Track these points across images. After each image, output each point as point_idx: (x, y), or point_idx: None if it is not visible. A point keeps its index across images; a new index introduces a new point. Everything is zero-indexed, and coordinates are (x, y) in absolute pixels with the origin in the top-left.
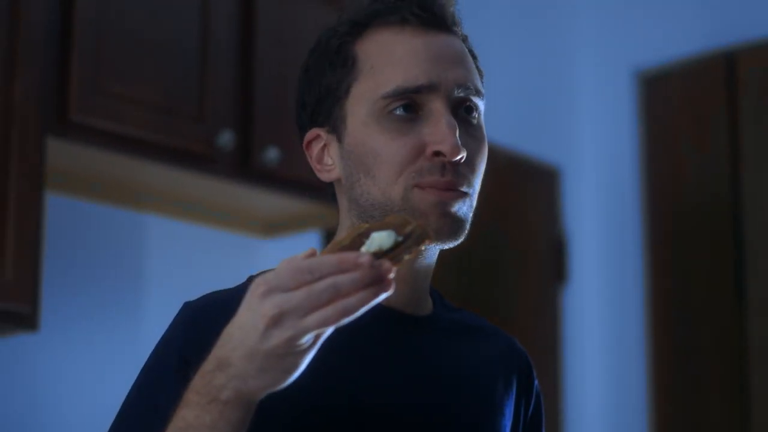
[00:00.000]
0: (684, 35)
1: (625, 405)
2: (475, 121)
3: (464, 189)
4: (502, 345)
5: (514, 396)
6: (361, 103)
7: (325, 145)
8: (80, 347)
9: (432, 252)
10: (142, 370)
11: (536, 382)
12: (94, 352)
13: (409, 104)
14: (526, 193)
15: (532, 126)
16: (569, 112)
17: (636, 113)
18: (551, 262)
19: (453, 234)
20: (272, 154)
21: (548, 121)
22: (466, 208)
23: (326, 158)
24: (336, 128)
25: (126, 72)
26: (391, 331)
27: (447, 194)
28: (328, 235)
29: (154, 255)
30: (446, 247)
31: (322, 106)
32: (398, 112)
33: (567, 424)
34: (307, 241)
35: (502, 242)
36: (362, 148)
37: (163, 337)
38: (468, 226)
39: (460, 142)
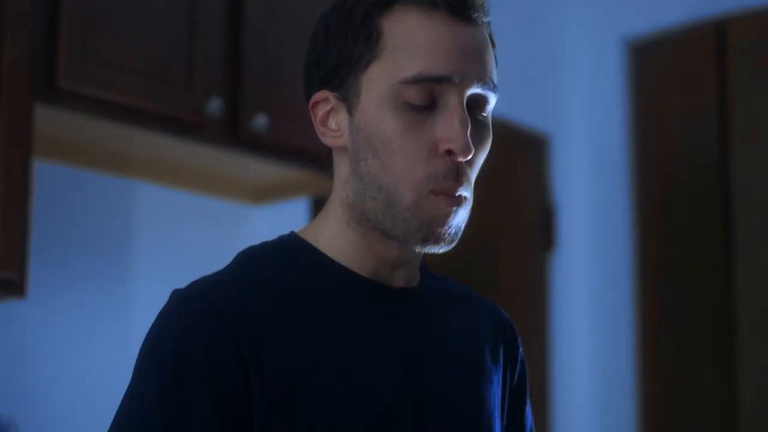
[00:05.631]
0: (674, 5)
1: (612, 372)
2: (485, 118)
3: (466, 194)
4: (487, 313)
5: (501, 364)
6: (378, 83)
7: (332, 110)
8: (68, 314)
9: None
10: (145, 403)
11: (521, 349)
12: (81, 319)
13: (426, 94)
14: (515, 161)
15: (522, 94)
16: (559, 81)
17: (626, 82)
18: (540, 229)
19: (450, 243)
20: (261, 121)
21: (538, 89)
22: (465, 216)
23: (331, 122)
24: (348, 99)
25: (115, 39)
26: (381, 304)
27: (455, 202)
28: (317, 203)
29: (143, 222)
30: (438, 252)
31: (337, 71)
32: (414, 102)
33: (554, 392)
34: (296, 208)
35: (491, 210)
36: (373, 130)
37: (159, 356)
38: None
39: (471, 141)
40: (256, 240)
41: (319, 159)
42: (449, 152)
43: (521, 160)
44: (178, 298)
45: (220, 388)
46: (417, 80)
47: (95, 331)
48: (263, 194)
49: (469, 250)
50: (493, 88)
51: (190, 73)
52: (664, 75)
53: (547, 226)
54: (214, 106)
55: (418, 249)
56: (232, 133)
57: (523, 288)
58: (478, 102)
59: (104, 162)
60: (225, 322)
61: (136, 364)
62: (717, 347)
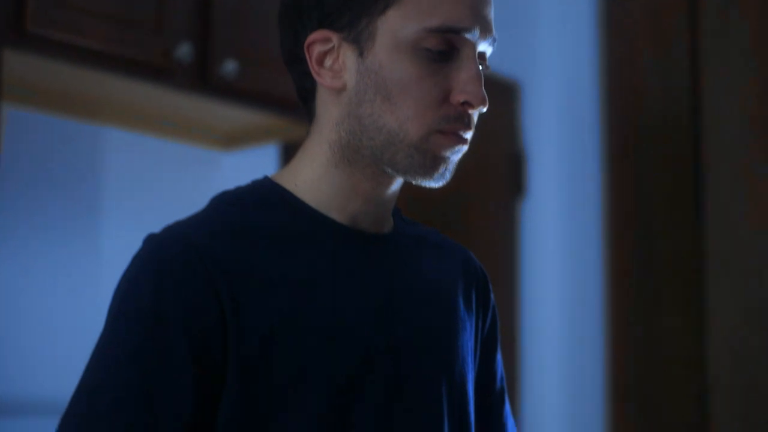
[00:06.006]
0: None
1: (582, 318)
2: (486, 69)
3: (468, 137)
4: (460, 259)
5: (473, 310)
6: (398, 28)
7: (331, 50)
8: (37, 260)
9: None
10: (119, 352)
11: (492, 296)
12: (51, 264)
13: (445, 43)
14: None
15: None
16: (530, 27)
17: (597, 29)
18: (510, 176)
19: (445, 179)
20: (231, 66)
21: (509, 36)
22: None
23: (328, 62)
24: (359, 41)
25: None
26: (357, 250)
27: (460, 141)
28: (287, 149)
29: (113, 168)
30: (433, 186)
31: (347, 12)
32: (434, 49)
33: (523, 336)
34: (266, 153)
35: (462, 156)
36: (389, 74)
37: (135, 302)
38: None
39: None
40: (225, 186)
41: (289, 104)
42: (464, 103)
43: (491, 107)
44: (153, 242)
45: (198, 333)
46: (441, 30)
47: (65, 277)
48: (232, 140)
49: (439, 196)
50: (494, 42)
51: (160, 17)
52: (635, 20)
53: (517, 172)
54: (184, 51)
55: (414, 181)
56: (202, 79)
57: (493, 235)
58: (482, 55)
59: (73, 107)
60: (202, 267)
61: (110, 310)
62: (686, 293)
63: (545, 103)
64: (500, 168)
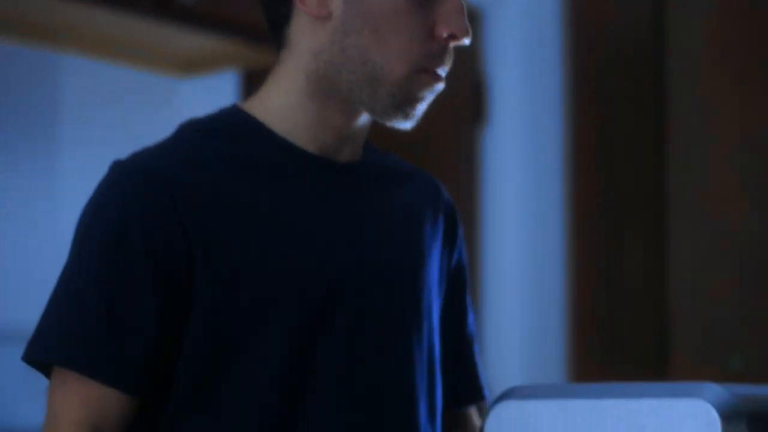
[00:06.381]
0: None
1: (543, 250)
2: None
3: (445, 74)
4: (429, 190)
5: (440, 242)
6: None
7: None
8: None
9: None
10: (86, 266)
11: (461, 231)
12: (7, 196)
13: None
14: None
15: None
16: None
17: None
18: (472, 103)
19: (416, 120)
20: None
21: None
22: None
23: None
24: None
25: None
26: (327, 180)
27: (439, 79)
28: (248, 76)
29: (71, 95)
30: (403, 127)
31: None
32: None
33: (484, 269)
34: (225, 80)
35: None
36: (377, 6)
37: (99, 229)
38: None
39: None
40: (185, 113)
41: (251, 30)
42: (449, 36)
43: None
44: (119, 169)
45: (161, 261)
46: None
47: (22, 207)
48: (192, 66)
49: None
50: None
51: None
52: None
53: (478, 100)
54: None
55: (388, 122)
56: (162, 3)
57: (454, 163)
58: None
59: (30, 34)
60: (167, 194)
61: (75, 236)
62: (648, 227)
63: (507, 30)
64: (462, 95)
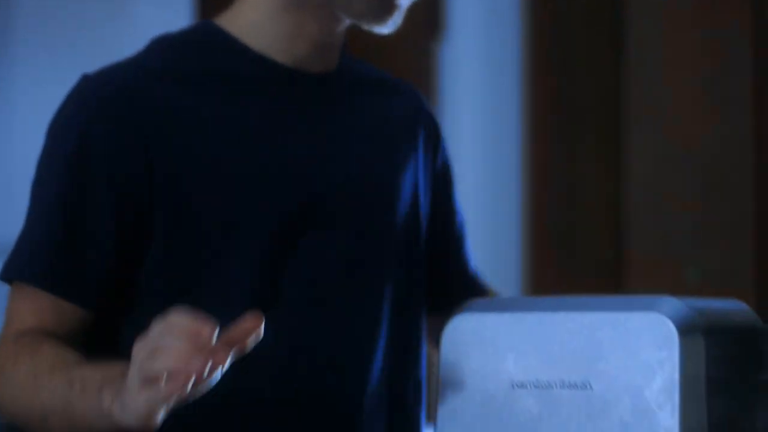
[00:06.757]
0: None
1: (499, 162)
2: None
3: None
4: (408, 100)
5: (421, 152)
6: None
7: None
8: None
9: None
10: (50, 180)
11: (443, 140)
12: None
13: None
14: None
15: None
16: None
17: None
18: (428, 15)
19: (396, 25)
20: None
21: None
22: None
23: None
24: None
25: None
26: (300, 92)
27: None
28: None
29: (23, 7)
30: (383, 32)
31: None
32: None
33: None
34: None
35: None
36: None
37: (62, 145)
38: None
39: None
40: (138, 28)
41: None
42: None
43: None
44: (86, 83)
45: (123, 175)
46: None
47: None
48: None
49: (352, 35)
50: None
51: None
52: None
53: (435, 11)
54: None
55: (366, 26)
56: None
57: (411, 76)
58: None
59: None
60: (132, 109)
61: (42, 151)
62: (604, 136)
63: None
64: (418, 7)
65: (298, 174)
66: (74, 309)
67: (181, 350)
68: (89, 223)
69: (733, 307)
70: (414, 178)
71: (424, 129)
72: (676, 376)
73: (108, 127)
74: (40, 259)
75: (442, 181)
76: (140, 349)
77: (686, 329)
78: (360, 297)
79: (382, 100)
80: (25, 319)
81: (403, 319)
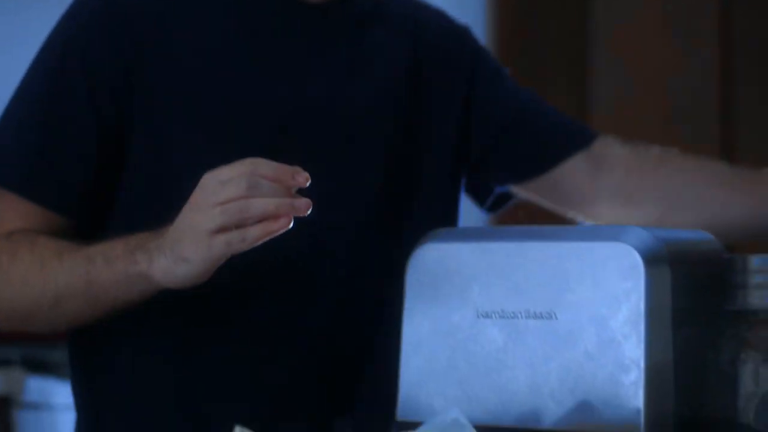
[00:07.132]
0: None
1: None
2: None
3: None
4: (407, 28)
5: (441, 73)
6: None
7: None
8: None
9: None
10: (38, 84)
11: (470, 48)
12: None
13: None
14: None
15: None
16: None
17: None
18: None
19: None
20: None
21: None
22: None
23: None
24: None
25: None
26: (291, 20)
27: None
28: None
29: None
30: None
31: None
32: None
33: None
34: None
35: None
36: None
37: (49, 52)
38: None
39: None
40: None
41: None
42: None
43: None
44: (88, 13)
45: (103, 83)
46: None
47: None
48: None
49: None
50: None
51: None
52: None
53: None
54: None
55: None
56: None
57: None
58: None
59: None
60: (120, 23)
61: (35, 56)
62: (571, 68)
63: None
64: None
65: (275, 99)
66: (53, 216)
67: (278, 193)
68: (68, 129)
69: (699, 237)
70: (409, 112)
71: (435, 62)
72: (642, 306)
73: (95, 37)
74: (21, 166)
75: (481, 76)
76: (212, 193)
77: (652, 259)
78: (342, 219)
79: (381, 29)
80: (12, 222)
81: (387, 245)
